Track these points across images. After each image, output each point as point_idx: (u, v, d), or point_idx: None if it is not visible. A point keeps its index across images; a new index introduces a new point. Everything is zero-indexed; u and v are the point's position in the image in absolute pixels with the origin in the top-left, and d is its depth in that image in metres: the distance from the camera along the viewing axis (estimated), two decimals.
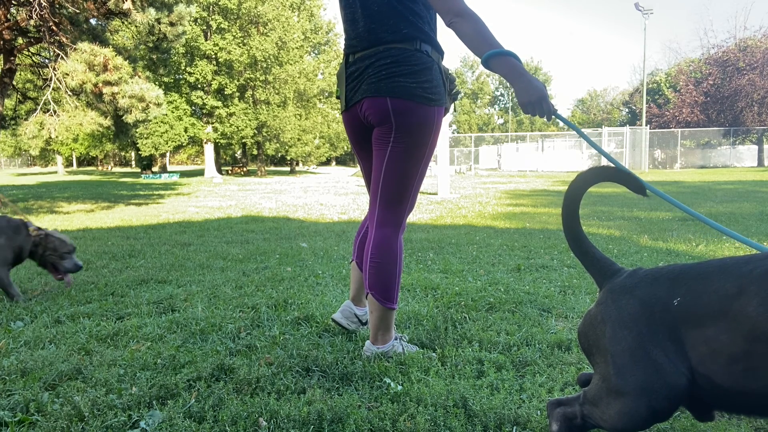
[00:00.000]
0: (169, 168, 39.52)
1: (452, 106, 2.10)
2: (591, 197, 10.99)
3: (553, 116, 1.58)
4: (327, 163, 55.81)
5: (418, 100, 1.79)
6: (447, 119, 13.00)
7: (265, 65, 27.36)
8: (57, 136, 9.69)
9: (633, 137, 26.31)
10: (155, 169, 35.21)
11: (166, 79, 25.81)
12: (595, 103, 62.79)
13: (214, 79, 27.64)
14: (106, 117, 9.84)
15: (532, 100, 1.55)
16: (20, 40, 9.96)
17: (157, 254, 4.43)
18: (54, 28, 9.35)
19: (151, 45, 10.91)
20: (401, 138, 1.83)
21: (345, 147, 43.13)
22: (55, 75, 9.55)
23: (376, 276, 1.90)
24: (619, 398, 1.10)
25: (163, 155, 35.95)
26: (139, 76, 10.36)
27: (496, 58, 1.58)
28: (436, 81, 1.83)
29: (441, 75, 1.86)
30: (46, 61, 10.98)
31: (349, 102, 1.91)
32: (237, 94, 28.38)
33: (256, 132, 28.90)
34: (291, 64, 28.20)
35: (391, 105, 1.79)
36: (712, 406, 1.11)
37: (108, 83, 9.18)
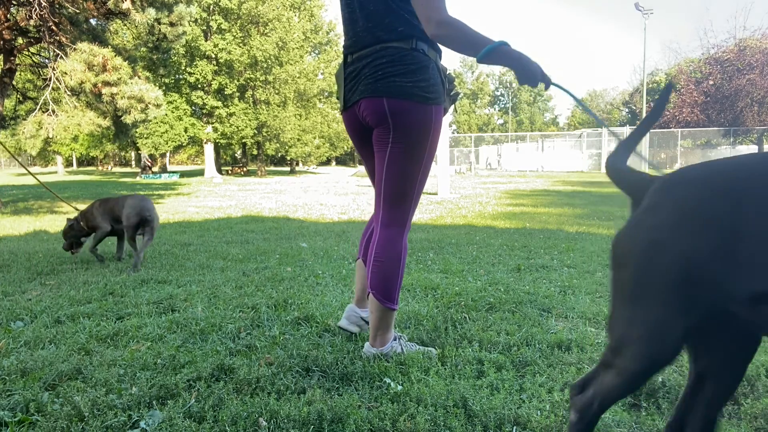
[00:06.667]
0: (169, 168, 39.50)
1: (452, 107, 2.09)
2: (591, 197, 10.99)
3: (552, 85, 1.69)
4: (327, 163, 55.80)
5: (415, 99, 1.78)
6: (447, 119, 12.99)
7: (265, 65, 27.35)
8: (55, 136, 9.69)
9: None
10: (155, 169, 35.20)
11: (166, 80, 25.79)
12: (595, 103, 62.76)
13: (215, 79, 27.63)
14: (105, 117, 9.83)
15: (530, 79, 1.63)
16: (20, 40, 9.95)
17: (157, 254, 4.43)
18: (54, 28, 9.34)
19: (151, 45, 10.91)
20: (399, 138, 1.82)
21: (345, 147, 43.07)
22: (54, 75, 9.55)
23: (378, 275, 1.90)
24: (643, 320, 0.95)
25: (163, 155, 35.95)
26: (139, 77, 10.36)
27: (490, 54, 1.60)
28: (433, 80, 1.81)
29: (438, 73, 1.85)
30: (46, 61, 10.98)
31: (348, 102, 1.91)
32: (237, 94, 28.36)
33: (256, 132, 28.88)
34: (291, 64, 28.18)
35: (387, 105, 1.79)
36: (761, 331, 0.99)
37: (107, 84, 9.17)
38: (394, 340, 1.98)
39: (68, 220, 4.22)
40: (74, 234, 4.18)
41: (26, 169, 4.67)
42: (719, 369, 1.08)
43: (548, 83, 1.67)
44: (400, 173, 1.86)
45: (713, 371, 1.09)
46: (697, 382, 1.11)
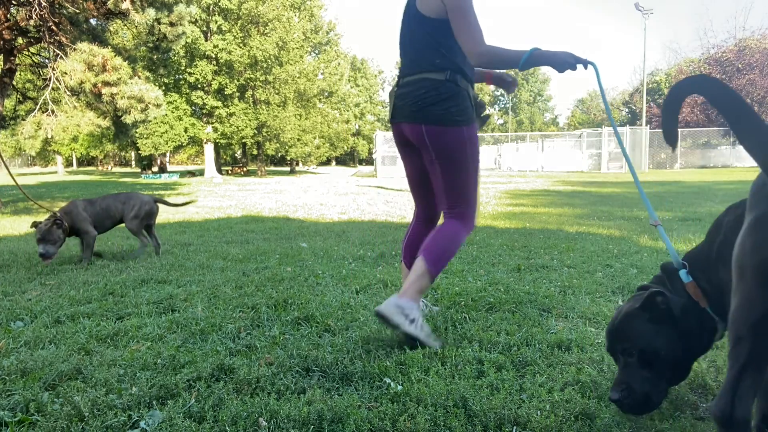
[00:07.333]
0: (169, 168, 39.47)
1: (481, 127, 2.41)
2: (591, 197, 10.99)
3: (589, 64, 2.07)
4: (327, 163, 55.82)
5: (447, 124, 2.15)
6: None
7: (265, 65, 27.34)
8: (54, 137, 9.68)
9: (633, 137, 26.29)
10: (155, 169, 35.20)
11: (166, 80, 25.77)
12: (595, 103, 62.77)
13: (214, 79, 27.61)
14: (105, 118, 9.83)
15: (566, 66, 2.03)
16: (20, 40, 9.95)
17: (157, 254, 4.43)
18: (54, 28, 9.34)
19: (151, 45, 10.91)
20: (439, 157, 2.20)
21: (345, 147, 43.08)
22: (54, 75, 9.55)
23: (435, 242, 2.20)
24: None
25: (163, 155, 35.96)
26: (139, 77, 10.36)
27: (527, 62, 2.02)
28: (462, 105, 2.17)
29: (468, 99, 2.20)
30: (46, 61, 10.98)
31: (394, 118, 2.31)
32: (237, 94, 28.35)
33: (256, 132, 28.87)
34: (291, 64, 28.17)
35: (425, 131, 2.18)
36: None
37: (107, 84, 9.17)
38: (418, 306, 2.12)
39: (51, 221, 3.87)
40: (61, 236, 3.91)
41: (8, 170, 4.69)
42: None
43: (585, 63, 2.05)
44: (450, 184, 2.25)
45: None
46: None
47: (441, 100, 2.14)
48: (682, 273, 1.45)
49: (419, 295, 2.11)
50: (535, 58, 2.02)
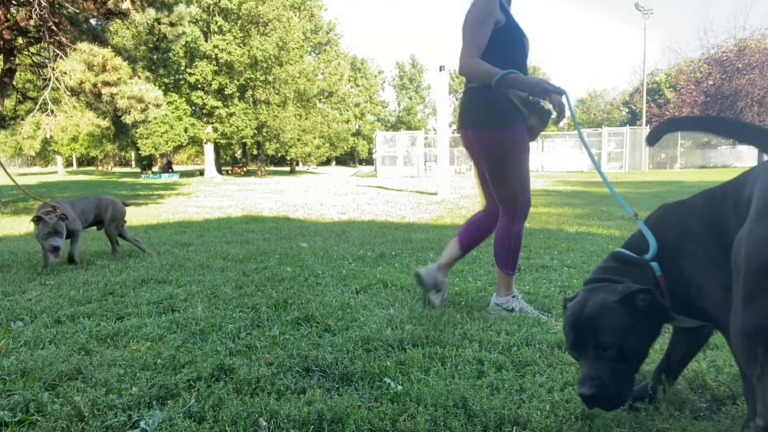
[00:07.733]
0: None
1: (547, 120, 2.55)
2: (591, 197, 10.99)
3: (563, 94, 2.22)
4: (327, 163, 55.79)
5: (488, 126, 2.42)
6: (444, 120, 12.91)
7: (265, 65, 27.34)
8: (53, 137, 9.68)
9: (633, 137, 26.30)
10: (155, 169, 35.20)
11: (166, 80, 25.78)
12: (595, 103, 62.69)
13: (215, 80, 27.61)
14: (104, 118, 9.83)
15: (538, 92, 2.28)
16: (20, 40, 9.95)
17: (157, 254, 4.43)
18: (54, 28, 9.34)
19: (151, 45, 10.92)
20: (485, 157, 2.47)
21: (345, 147, 43.05)
22: (54, 75, 9.55)
23: (496, 247, 2.53)
24: None
25: (163, 155, 35.98)
26: (139, 77, 10.36)
27: (500, 81, 2.30)
28: (500, 108, 2.39)
29: (508, 102, 2.38)
30: (46, 61, 10.98)
31: (458, 123, 2.62)
32: (237, 94, 28.35)
33: (256, 132, 28.87)
34: (291, 64, 28.17)
35: (472, 135, 2.48)
36: None
37: (107, 84, 9.17)
38: (513, 297, 2.51)
39: (57, 215, 3.79)
40: (65, 230, 3.85)
41: (5, 170, 4.68)
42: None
43: (559, 91, 2.21)
44: (498, 181, 2.48)
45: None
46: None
47: (479, 106, 2.43)
48: (655, 265, 1.46)
49: (508, 290, 2.53)
50: (508, 81, 2.29)
